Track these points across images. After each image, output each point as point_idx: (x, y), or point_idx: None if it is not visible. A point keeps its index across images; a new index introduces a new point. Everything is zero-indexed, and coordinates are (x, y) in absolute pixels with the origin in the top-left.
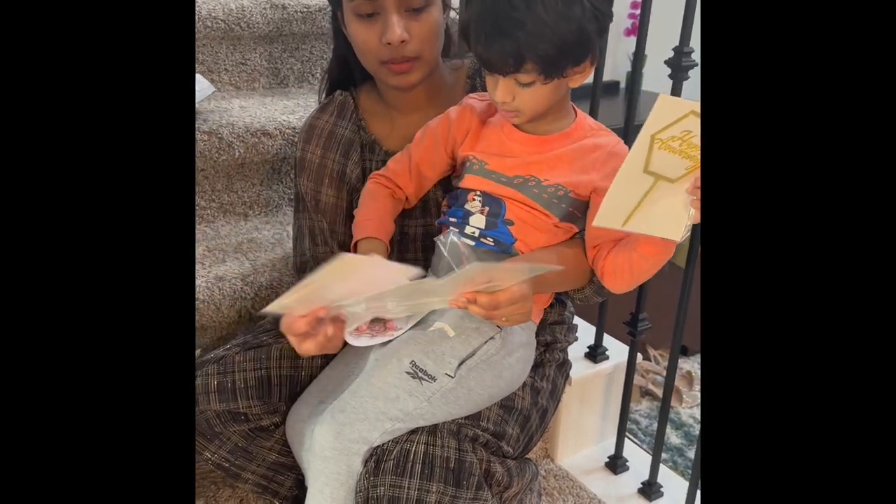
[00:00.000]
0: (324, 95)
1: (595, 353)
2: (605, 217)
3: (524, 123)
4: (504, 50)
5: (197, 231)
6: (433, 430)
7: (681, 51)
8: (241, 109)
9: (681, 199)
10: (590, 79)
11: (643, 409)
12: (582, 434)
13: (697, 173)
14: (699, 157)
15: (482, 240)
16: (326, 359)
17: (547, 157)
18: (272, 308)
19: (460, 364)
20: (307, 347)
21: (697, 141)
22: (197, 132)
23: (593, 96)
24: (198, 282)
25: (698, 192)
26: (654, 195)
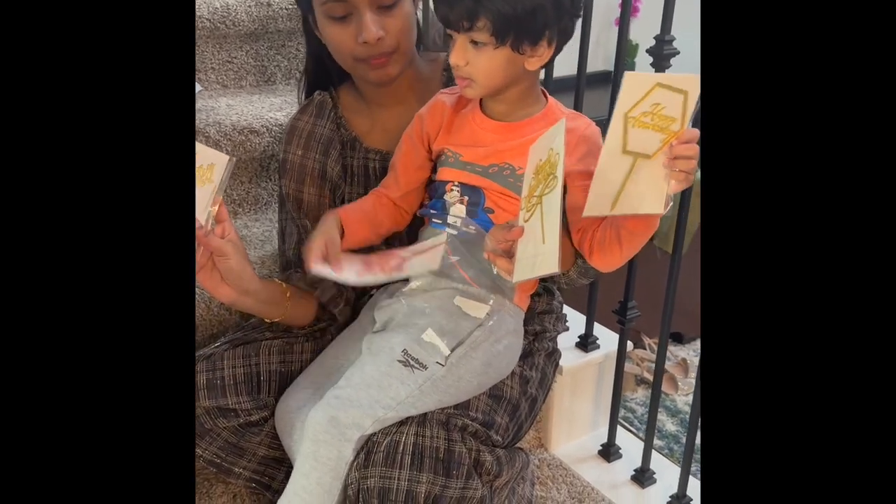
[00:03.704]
0: (303, 96)
1: (586, 343)
2: (593, 206)
3: (480, 97)
4: (462, 3)
5: None
6: (422, 420)
7: (662, 39)
8: (228, 108)
9: (659, 172)
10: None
11: (639, 397)
12: (575, 423)
13: (672, 142)
14: (671, 127)
15: (465, 228)
16: (315, 353)
17: (519, 144)
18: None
19: (450, 352)
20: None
21: (668, 112)
22: None
23: (578, 86)
24: None
25: (674, 163)
26: (634, 174)
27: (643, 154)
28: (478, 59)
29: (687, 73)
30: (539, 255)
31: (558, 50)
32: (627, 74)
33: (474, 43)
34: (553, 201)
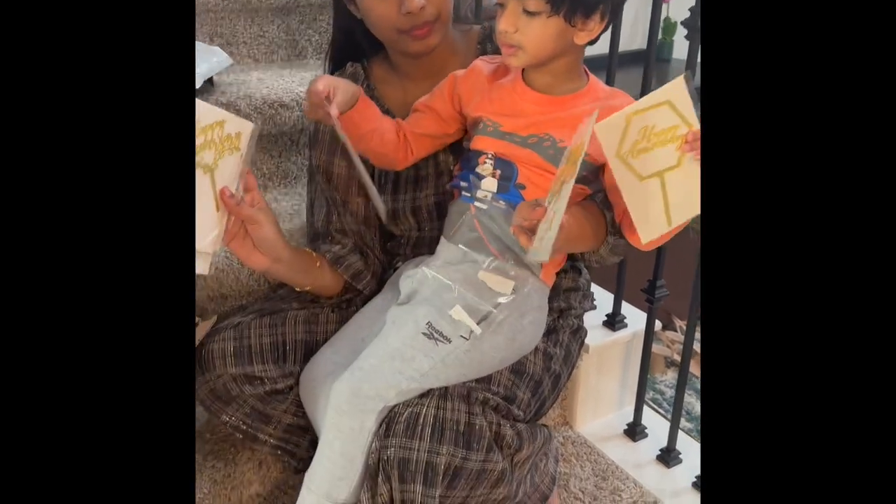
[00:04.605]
0: (329, 70)
1: (613, 322)
2: (649, 230)
3: (524, 67)
4: None
5: None
6: (443, 393)
7: (697, 11)
8: (258, 81)
9: (699, 169)
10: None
11: (669, 379)
12: (601, 402)
13: (689, 141)
14: (678, 132)
15: (494, 203)
16: (341, 324)
17: (561, 117)
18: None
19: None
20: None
21: (663, 126)
22: (215, 104)
23: (609, 64)
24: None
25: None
26: (671, 187)
27: (667, 168)
28: (528, 27)
29: (659, 88)
30: (545, 239)
31: (607, 26)
32: (596, 128)
33: (527, 11)
34: (566, 191)
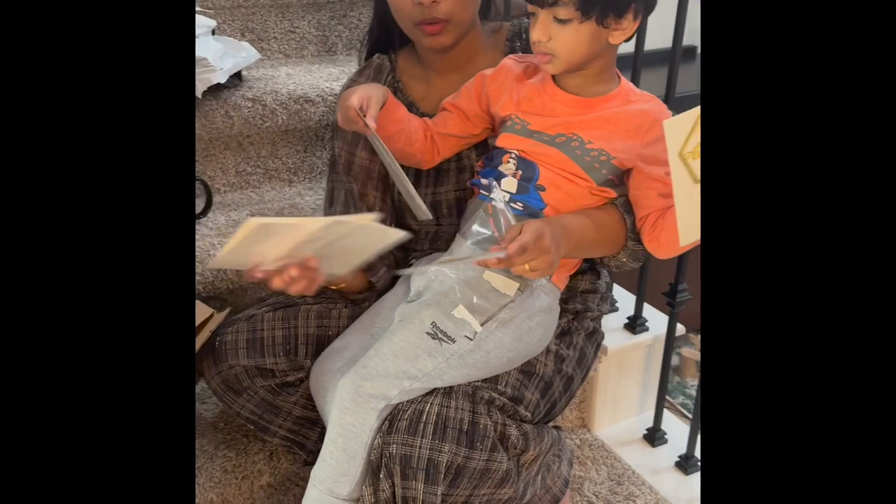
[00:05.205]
0: (364, 58)
1: (634, 325)
2: (687, 234)
3: (560, 73)
4: None
5: (242, 196)
6: (448, 392)
7: None
8: (286, 77)
9: None
10: (664, 44)
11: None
12: (620, 405)
13: None
14: None
15: (512, 204)
16: (351, 319)
17: (591, 118)
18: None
19: (481, 328)
20: (276, 284)
21: None
22: (241, 99)
23: (635, 62)
24: None
25: None
26: None
27: None
28: (561, 35)
29: None
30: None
31: (642, 23)
32: (665, 124)
33: (558, 19)
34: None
